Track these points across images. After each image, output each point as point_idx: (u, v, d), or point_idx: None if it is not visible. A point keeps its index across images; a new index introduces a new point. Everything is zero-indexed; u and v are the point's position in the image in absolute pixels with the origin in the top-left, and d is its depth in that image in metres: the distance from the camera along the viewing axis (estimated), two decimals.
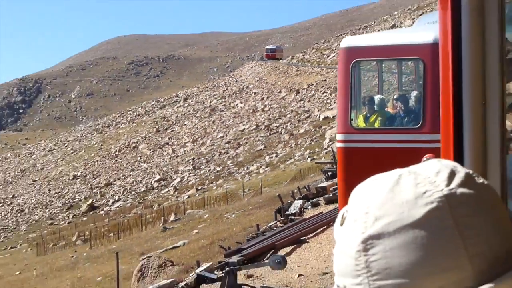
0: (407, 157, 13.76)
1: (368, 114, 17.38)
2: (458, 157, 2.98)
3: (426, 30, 16.45)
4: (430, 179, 1.58)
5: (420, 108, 16.14)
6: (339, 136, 17.15)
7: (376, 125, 17.15)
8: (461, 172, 1.62)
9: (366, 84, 19.04)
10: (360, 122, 17.43)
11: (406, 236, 1.53)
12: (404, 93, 18.77)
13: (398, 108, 17.28)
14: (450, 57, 3.03)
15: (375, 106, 17.63)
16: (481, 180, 1.66)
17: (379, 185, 1.65)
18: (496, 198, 1.68)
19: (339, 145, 17.11)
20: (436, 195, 1.55)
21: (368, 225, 1.59)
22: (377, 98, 17.91)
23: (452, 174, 1.59)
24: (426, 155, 14.13)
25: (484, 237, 1.56)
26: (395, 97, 18.14)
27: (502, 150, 3.05)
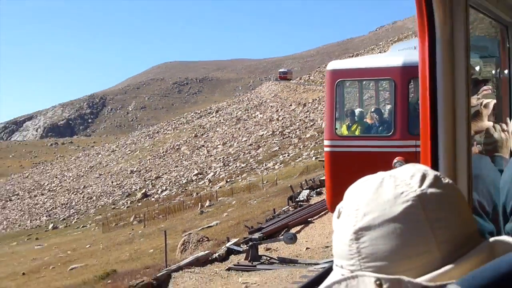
0: (381, 159, 15.05)
1: (350, 124, 17.43)
2: (435, 158, 2.97)
3: (396, 55, 16.64)
4: (406, 182, 1.63)
5: (392, 119, 16.09)
6: (326, 142, 17.28)
7: (356, 133, 17.16)
8: (431, 174, 1.66)
9: (348, 99, 18.72)
10: (343, 130, 17.44)
11: (387, 228, 1.58)
12: (379, 107, 18.87)
13: (374, 119, 17.37)
14: (427, 78, 3.02)
15: (356, 118, 17.68)
16: (447, 180, 1.69)
17: (366, 187, 1.69)
18: (459, 194, 1.71)
19: (326, 149, 17.22)
20: (411, 195, 1.60)
21: (358, 219, 1.63)
22: (357, 111, 18.00)
23: (423, 177, 1.64)
24: (396, 158, 14.79)
25: (449, 227, 1.60)
26: (372, 110, 18.27)
27: (468, 151, 3.03)
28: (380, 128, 16.74)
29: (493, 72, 5.25)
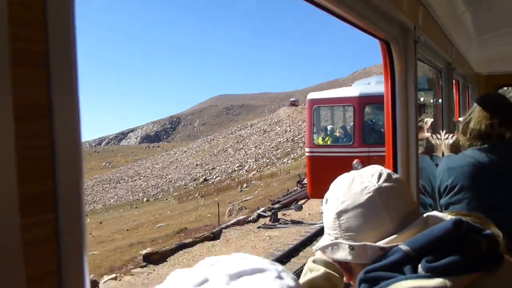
0: (344, 161, 15.13)
1: (324, 136, 17.77)
2: (395, 157, 2.97)
3: (356, 88, 17.38)
4: (368, 179, 1.69)
5: (352, 133, 16.46)
6: (307, 149, 17.80)
7: (328, 143, 17.43)
8: (385, 173, 1.72)
9: (322, 119, 19.49)
10: (319, 141, 17.60)
11: (357, 211, 1.66)
12: (344, 125, 18.90)
13: (340, 133, 17.67)
14: (390, 106, 3.01)
15: (328, 132, 18.02)
16: (395, 176, 1.73)
17: (343, 183, 1.73)
18: (403, 185, 1.76)
19: (307, 154, 17.75)
20: (372, 188, 1.66)
21: (338, 205, 1.69)
22: (329, 127, 18.41)
23: (380, 175, 1.71)
24: (355, 160, 15.22)
25: (397, 208, 1.66)
26: (339, 126, 18.49)
27: (416, 152, 3.03)
28: (344, 139, 17.05)
29: (431, 100, 5.23)
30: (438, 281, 1.35)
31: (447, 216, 1.64)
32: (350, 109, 17.48)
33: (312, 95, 18.38)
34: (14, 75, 0.62)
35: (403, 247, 1.47)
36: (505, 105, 3.28)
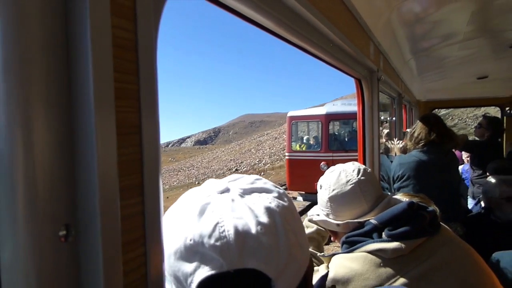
0: (314, 163, 14.11)
1: (300, 144, 15.99)
2: (364, 157, 2.95)
3: (324, 108, 15.42)
4: (351, 173, 1.68)
5: (320, 142, 14.83)
6: (287, 154, 15.85)
7: (304, 149, 15.57)
8: (362, 168, 1.72)
9: (299, 132, 17.42)
10: (297, 147, 15.76)
11: (343, 197, 1.67)
12: (315, 135, 16.89)
13: (312, 142, 16.05)
14: (361, 121, 2.99)
15: (304, 141, 16.21)
16: (369, 170, 1.70)
17: (333, 175, 1.67)
18: (374, 176, 1.71)
19: (287, 157, 15.77)
20: (354, 180, 1.65)
21: (329, 191, 1.65)
22: (305, 138, 16.50)
23: (359, 170, 1.70)
24: (322, 162, 13.86)
25: (370, 193, 1.65)
26: (312, 137, 16.71)
27: (378, 153, 3.00)
28: (315, 146, 15.38)
29: (388, 118, 5.22)
30: (396, 244, 1.36)
31: (404, 198, 1.64)
32: (319, 123, 15.45)
33: (291, 113, 16.47)
34: (116, 105, 0.62)
35: (373, 221, 1.48)
36: (438, 122, 3.38)
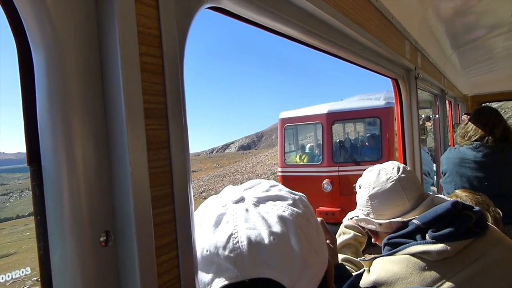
0: (314, 181, 9.83)
1: (301, 155, 11.05)
2: (404, 156, 2.90)
3: (326, 106, 10.60)
4: (391, 171, 1.63)
5: (321, 152, 10.20)
6: (279, 169, 11.04)
7: (305, 161, 10.74)
8: (401, 166, 1.66)
9: (298, 139, 11.86)
10: (297, 159, 11.06)
11: (384, 195, 1.59)
12: (316, 144, 11.47)
13: (316, 151, 11.00)
14: (399, 121, 2.95)
15: (307, 150, 11.30)
16: (408, 168, 1.66)
17: (373, 174, 1.64)
18: (414, 174, 1.67)
19: (279, 173, 10.95)
20: (394, 178, 1.60)
21: (370, 190, 1.61)
22: (308, 145, 11.53)
23: (398, 168, 1.63)
24: (325, 180, 9.57)
25: (412, 191, 1.59)
26: (310, 145, 11.63)
27: (419, 152, 2.95)
28: (315, 157, 10.68)
29: (431, 115, 5.08)
30: (440, 245, 1.31)
31: (447, 197, 1.61)
32: (319, 127, 10.61)
33: (283, 114, 11.40)
34: (146, 123, 0.69)
35: (416, 221, 1.44)
36: (494, 116, 3.04)
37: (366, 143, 10.33)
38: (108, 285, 0.67)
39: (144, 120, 0.69)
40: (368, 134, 10.56)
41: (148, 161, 0.69)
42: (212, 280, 0.68)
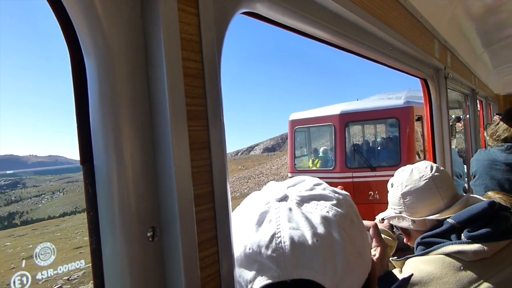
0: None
1: (314, 159, 10.15)
2: (434, 157, 2.86)
3: (339, 106, 9.71)
4: (424, 170, 1.61)
5: (333, 156, 9.41)
6: (289, 174, 10.33)
7: (318, 166, 9.89)
8: (434, 166, 1.63)
9: (310, 142, 10.86)
10: (309, 164, 10.25)
11: (417, 193, 1.57)
12: (329, 148, 10.26)
13: (329, 155, 9.92)
14: (429, 122, 2.92)
15: (320, 153, 10.18)
16: (442, 168, 1.64)
17: (405, 172, 1.63)
18: (447, 174, 1.65)
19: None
20: (428, 176, 1.58)
21: (402, 188, 1.60)
22: (321, 149, 10.32)
23: (432, 167, 1.61)
24: (338, 187, 7.20)
25: (446, 190, 1.57)
26: (323, 149, 10.42)
27: (450, 153, 2.90)
28: (327, 163, 9.79)
29: (461, 115, 4.97)
30: (477, 246, 1.29)
31: (482, 198, 1.58)
32: (331, 129, 9.53)
33: (293, 116, 10.54)
34: (189, 125, 0.73)
35: (450, 220, 1.41)
36: None
37: (383, 147, 9.48)
38: (154, 278, 0.71)
39: (187, 122, 0.72)
40: (385, 137, 9.79)
41: (191, 161, 0.73)
42: (254, 278, 0.68)
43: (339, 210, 0.71)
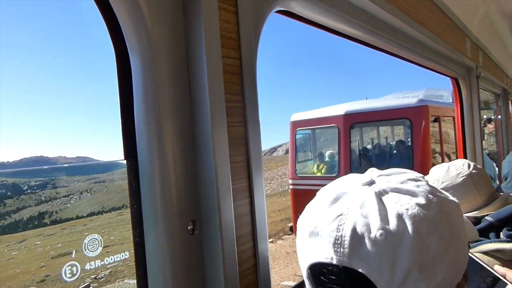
0: None
1: (319, 164, 9.16)
2: (465, 157, 2.81)
3: (344, 106, 8.57)
4: (461, 167, 1.58)
5: (337, 161, 8.49)
6: (290, 181, 9.19)
7: (323, 171, 8.91)
8: (471, 163, 1.60)
9: (315, 145, 9.84)
10: (313, 170, 9.22)
11: (453, 188, 1.55)
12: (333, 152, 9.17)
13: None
14: (460, 122, 2.86)
15: (327, 158, 9.20)
16: (479, 166, 1.60)
17: (441, 169, 1.61)
18: (484, 172, 1.61)
19: (290, 186, 9.07)
20: (465, 173, 1.55)
21: (438, 185, 1.57)
22: (328, 153, 9.24)
23: (469, 165, 1.59)
24: None
25: (484, 187, 1.55)
26: (328, 153, 9.35)
27: (481, 152, 2.84)
28: (330, 168, 8.87)
29: (493, 116, 4.84)
30: None
31: None
32: (336, 131, 8.55)
33: (294, 117, 9.55)
34: (228, 121, 0.74)
35: (489, 218, 1.39)
36: None
37: (394, 151, 8.37)
38: (195, 270, 0.72)
39: (226, 118, 0.74)
40: (396, 140, 8.87)
41: (230, 156, 0.74)
42: (309, 253, 0.66)
43: (423, 212, 0.62)
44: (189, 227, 0.72)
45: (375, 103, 8.43)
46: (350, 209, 0.64)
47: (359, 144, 8.66)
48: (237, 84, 0.78)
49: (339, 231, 0.62)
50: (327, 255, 0.62)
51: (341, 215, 0.63)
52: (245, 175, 0.79)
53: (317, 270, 0.64)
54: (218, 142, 0.72)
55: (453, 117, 7.88)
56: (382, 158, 8.38)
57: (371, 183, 0.68)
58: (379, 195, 0.65)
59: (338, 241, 0.62)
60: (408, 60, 2.01)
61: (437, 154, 7.98)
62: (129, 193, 0.71)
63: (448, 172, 1.57)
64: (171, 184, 0.70)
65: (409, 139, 7.81)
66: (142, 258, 0.70)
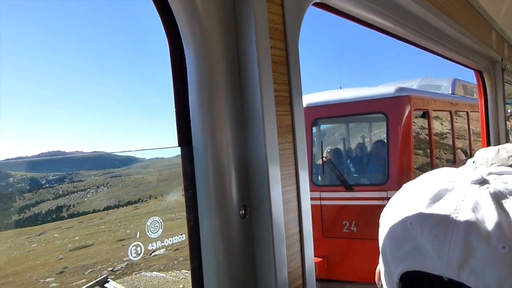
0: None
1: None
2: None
3: (305, 98, 5.72)
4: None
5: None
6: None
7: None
8: None
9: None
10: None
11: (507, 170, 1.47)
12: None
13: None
14: (484, 115, 2.84)
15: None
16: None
17: (490, 151, 1.51)
18: None
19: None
20: None
21: (487, 166, 1.46)
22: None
23: None
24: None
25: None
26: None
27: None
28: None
29: None
30: None
31: None
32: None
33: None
34: (276, 110, 0.78)
35: None
36: None
37: (366, 156, 6.41)
38: (245, 253, 0.76)
39: (275, 107, 0.77)
40: (370, 141, 7.42)
41: (278, 144, 0.77)
42: (404, 258, 0.56)
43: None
44: (241, 212, 0.75)
45: (344, 93, 6.39)
46: (460, 211, 0.55)
47: (322, 146, 6.57)
48: (284, 74, 0.81)
49: (447, 237, 0.53)
50: (428, 264, 0.54)
51: (448, 216, 0.55)
52: (292, 162, 0.82)
53: (412, 280, 0.56)
54: (268, 130, 0.75)
55: (450, 112, 6.84)
56: (351, 165, 6.41)
57: (482, 182, 0.58)
58: (497, 198, 0.55)
59: (446, 248, 0.53)
60: (434, 52, 2.01)
61: (426, 158, 6.34)
62: (183, 178, 0.75)
63: (498, 154, 1.48)
64: (225, 170, 0.73)
65: (384, 140, 5.93)
66: (197, 242, 0.74)
